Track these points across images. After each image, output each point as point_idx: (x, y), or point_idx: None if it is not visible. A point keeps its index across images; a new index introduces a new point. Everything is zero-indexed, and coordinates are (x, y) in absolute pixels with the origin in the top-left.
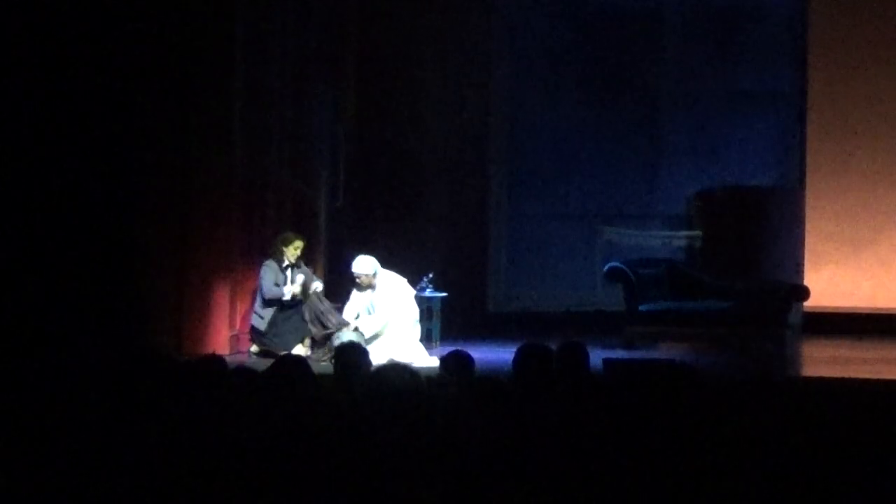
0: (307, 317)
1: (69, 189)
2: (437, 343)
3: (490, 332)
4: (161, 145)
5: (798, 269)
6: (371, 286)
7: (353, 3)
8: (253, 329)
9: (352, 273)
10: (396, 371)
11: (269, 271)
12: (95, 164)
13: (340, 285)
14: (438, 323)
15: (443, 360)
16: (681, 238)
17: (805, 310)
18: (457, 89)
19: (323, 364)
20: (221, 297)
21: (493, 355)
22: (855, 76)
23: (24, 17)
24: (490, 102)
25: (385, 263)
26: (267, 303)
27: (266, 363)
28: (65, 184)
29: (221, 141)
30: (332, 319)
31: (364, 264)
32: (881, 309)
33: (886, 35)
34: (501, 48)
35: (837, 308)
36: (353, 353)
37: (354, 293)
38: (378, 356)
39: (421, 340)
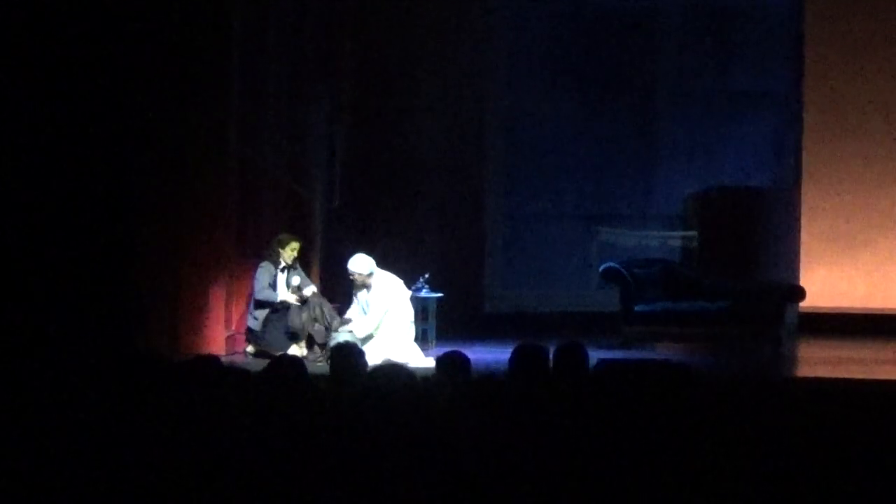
0: (309, 315)
1: (65, 189)
2: (433, 343)
3: (486, 332)
4: (157, 146)
5: (794, 269)
6: (365, 285)
7: (350, 2)
8: (248, 330)
9: (347, 271)
10: (392, 372)
11: (263, 273)
12: (91, 165)
13: (337, 286)
14: (434, 323)
15: (439, 360)
16: (677, 238)
17: (801, 310)
18: (454, 89)
19: (319, 365)
20: (217, 298)
21: (489, 356)
22: (851, 77)
23: (19, 16)
24: (487, 102)
25: (381, 264)
26: (259, 304)
27: (262, 364)
28: (60, 184)
29: (218, 141)
30: (332, 321)
31: (359, 263)
32: (877, 309)
33: (883, 35)
34: (498, 48)
35: (833, 308)
36: (349, 354)
37: (356, 294)
38: (374, 357)
39: (417, 341)
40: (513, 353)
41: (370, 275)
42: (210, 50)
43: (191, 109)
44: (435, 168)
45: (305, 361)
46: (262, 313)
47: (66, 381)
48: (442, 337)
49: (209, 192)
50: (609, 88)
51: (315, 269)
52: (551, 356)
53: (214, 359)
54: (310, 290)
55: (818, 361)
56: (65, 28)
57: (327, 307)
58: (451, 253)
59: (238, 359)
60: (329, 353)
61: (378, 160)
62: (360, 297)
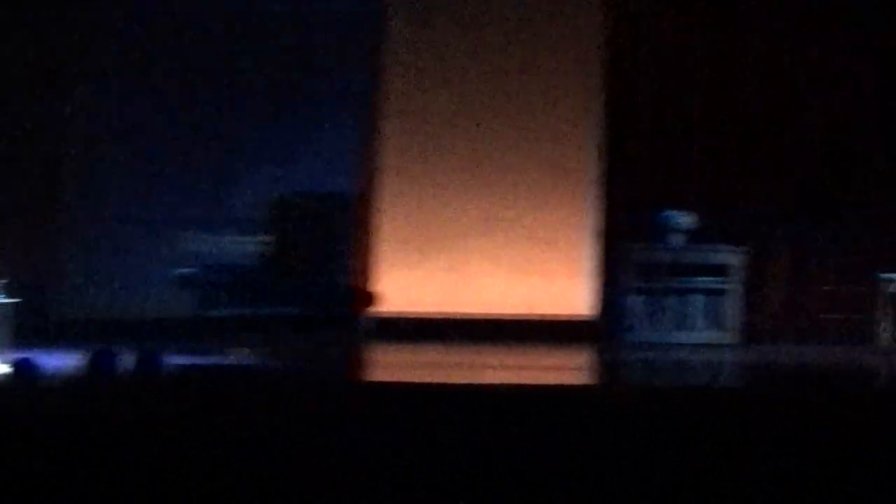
0: None
1: None
2: (6, 350)
3: (60, 338)
4: None
5: (368, 273)
6: None
7: None
8: None
9: None
10: None
11: None
12: None
13: None
14: (8, 329)
15: (11, 366)
16: (252, 244)
17: (376, 314)
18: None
19: None
20: None
21: (62, 361)
22: (431, 83)
23: None
24: (65, 101)
25: None
26: None
27: None
28: None
29: None
30: None
31: None
32: (450, 314)
33: (461, 42)
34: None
35: (407, 313)
36: None
37: None
38: None
39: None
40: (85, 359)
41: None
42: None
43: None
44: (9, 166)
45: None
46: None
47: None
48: (15, 343)
49: None
50: (188, 89)
51: None
52: (126, 362)
53: None
54: None
55: (393, 365)
56: None
57: None
58: (25, 257)
59: None
60: None
61: None
62: None
